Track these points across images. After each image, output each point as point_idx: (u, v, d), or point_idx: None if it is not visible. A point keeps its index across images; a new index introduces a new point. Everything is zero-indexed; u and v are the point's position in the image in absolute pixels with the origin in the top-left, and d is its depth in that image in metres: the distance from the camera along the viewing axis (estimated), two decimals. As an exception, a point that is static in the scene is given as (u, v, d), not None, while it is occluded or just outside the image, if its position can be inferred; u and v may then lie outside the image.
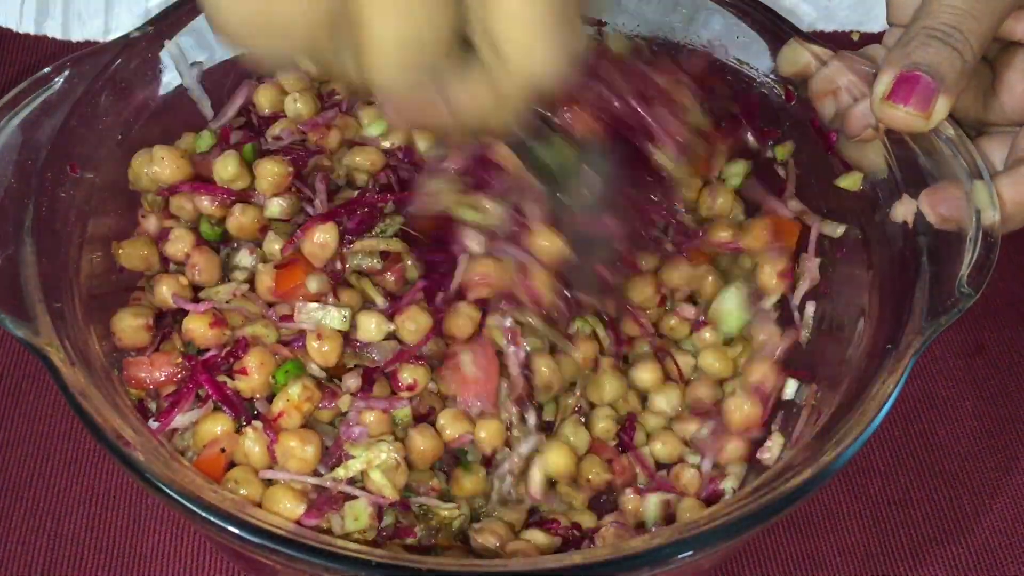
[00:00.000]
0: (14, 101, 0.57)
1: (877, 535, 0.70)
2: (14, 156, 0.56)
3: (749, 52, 0.69)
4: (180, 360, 0.59)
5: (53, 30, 0.90)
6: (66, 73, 0.59)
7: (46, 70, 0.59)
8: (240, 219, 0.64)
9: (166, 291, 0.62)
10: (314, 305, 0.60)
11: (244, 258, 0.64)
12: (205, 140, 0.67)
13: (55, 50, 0.89)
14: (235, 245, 0.65)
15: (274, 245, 0.63)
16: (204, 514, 0.47)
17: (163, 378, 0.58)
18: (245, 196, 0.64)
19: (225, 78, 0.69)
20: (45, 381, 0.73)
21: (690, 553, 0.48)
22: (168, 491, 0.48)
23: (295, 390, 0.57)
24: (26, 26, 0.90)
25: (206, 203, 0.64)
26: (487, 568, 0.53)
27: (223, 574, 0.66)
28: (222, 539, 0.49)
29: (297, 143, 0.67)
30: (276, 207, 0.63)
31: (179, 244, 0.64)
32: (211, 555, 0.66)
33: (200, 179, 0.64)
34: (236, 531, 0.47)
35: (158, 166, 0.63)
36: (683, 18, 0.72)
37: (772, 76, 0.68)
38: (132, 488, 0.69)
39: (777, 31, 0.67)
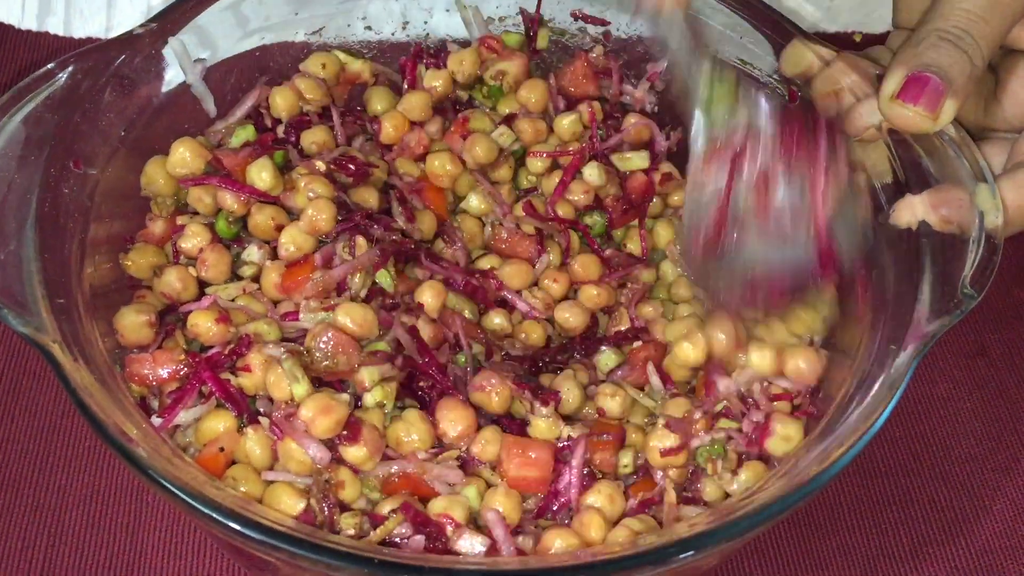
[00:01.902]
0: (18, 96, 0.57)
1: (878, 535, 0.70)
2: (18, 151, 0.56)
3: (752, 52, 0.69)
4: (183, 357, 0.59)
5: (55, 26, 0.90)
6: (70, 69, 0.59)
7: (50, 66, 0.59)
8: (256, 217, 0.64)
9: (174, 279, 0.62)
10: (315, 303, 0.61)
11: (253, 253, 0.64)
12: (248, 132, 0.67)
13: (57, 47, 0.89)
14: (245, 245, 0.65)
15: (289, 247, 0.63)
16: (207, 511, 0.47)
17: (166, 375, 0.58)
18: (272, 199, 0.65)
19: (228, 76, 0.69)
20: (45, 377, 0.73)
21: (691, 553, 0.48)
22: (171, 487, 0.48)
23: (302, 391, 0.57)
24: (28, 22, 0.90)
25: (229, 199, 0.64)
26: (488, 567, 0.53)
27: (223, 571, 0.66)
28: (225, 536, 0.49)
29: (339, 161, 0.67)
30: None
31: (194, 240, 0.64)
32: (211, 552, 0.66)
33: (225, 174, 0.65)
34: (240, 528, 0.47)
35: (180, 157, 0.63)
36: (686, 18, 0.72)
37: (775, 76, 0.68)
38: (133, 485, 0.68)
39: (780, 31, 0.67)
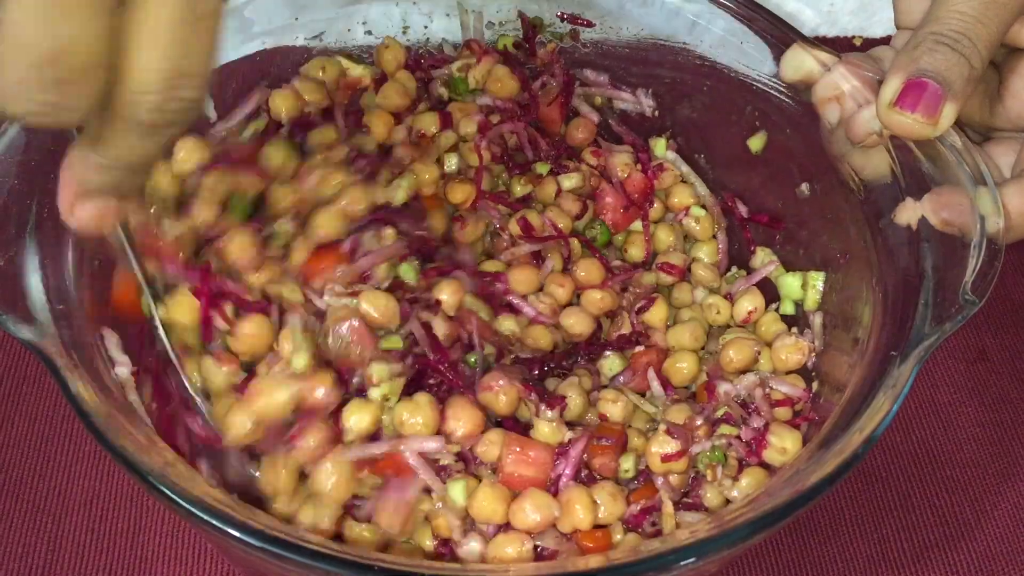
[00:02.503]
0: (18, 102, 0.57)
1: (879, 541, 0.70)
2: (17, 157, 0.56)
3: (752, 57, 0.69)
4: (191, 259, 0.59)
5: (55, 31, 0.89)
6: (70, 74, 0.59)
7: (50, 70, 0.59)
8: (278, 193, 0.63)
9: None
10: (341, 288, 0.61)
11: (284, 224, 0.63)
12: (259, 125, 0.68)
13: (57, 50, 0.88)
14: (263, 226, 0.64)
15: (321, 230, 0.62)
16: (208, 518, 0.47)
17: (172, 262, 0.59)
18: (287, 179, 0.64)
19: (229, 80, 0.69)
20: (46, 383, 0.73)
21: (692, 560, 0.48)
22: (171, 494, 0.48)
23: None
24: (28, 26, 0.89)
25: (246, 179, 0.64)
26: (490, 573, 0.53)
27: (223, 577, 0.66)
28: (225, 543, 0.49)
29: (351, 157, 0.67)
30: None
31: (206, 212, 0.62)
32: (211, 557, 0.66)
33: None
34: (239, 535, 0.47)
35: (186, 154, 0.63)
36: (686, 23, 0.72)
37: (775, 81, 0.68)
38: (132, 490, 0.68)
39: (780, 36, 0.67)
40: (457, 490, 0.57)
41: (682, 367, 0.66)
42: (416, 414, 0.58)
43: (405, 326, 0.61)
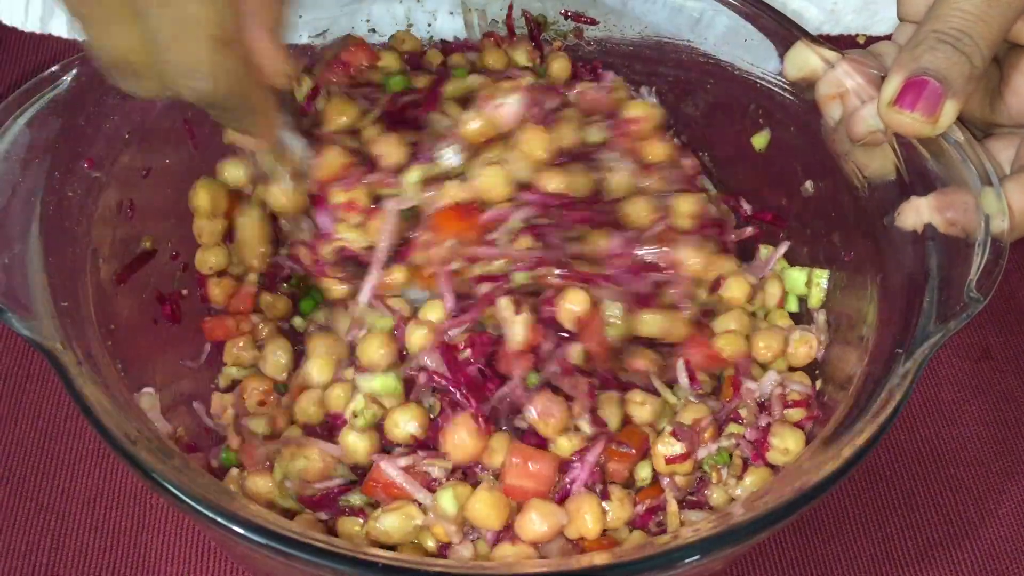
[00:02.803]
0: (22, 99, 0.57)
1: (882, 539, 0.70)
2: (22, 155, 0.56)
3: (756, 55, 0.69)
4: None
5: (59, 29, 0.89)
6: (74, 72, 0.59)
7: (54, 68, 0.59)
8: (471, 124, 0.62)
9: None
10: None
11: (450, 155, 0.62)
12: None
13: (61, 49, 0.89)
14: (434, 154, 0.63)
15: (483, 183, 0.61)
16: (213, 516, 0.47)
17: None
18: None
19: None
20: (49, 380, 0.73)
21: (696, 558, 0.48)
22: (176, 492, 0.48)
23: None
24: (31, 25, 0.89)
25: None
26: (495, 571, 0.53)
27: (226, 574, 0.66)
28: (228, 539, 0.49)
29: None
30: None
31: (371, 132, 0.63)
32: (215, 555, 0.66)
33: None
34: (243, 532, 0.47)
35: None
36: (689, 20, 0.72)
37: (779, 78, 0.68)
38: (136, 488, 0.68)
39: (784, 33, 0.67)
40: (446, 499, 0.56)
41: (728, 339, 0.65)
42: (408, 421, 0.58)
43: (419, 357, 0.60)
